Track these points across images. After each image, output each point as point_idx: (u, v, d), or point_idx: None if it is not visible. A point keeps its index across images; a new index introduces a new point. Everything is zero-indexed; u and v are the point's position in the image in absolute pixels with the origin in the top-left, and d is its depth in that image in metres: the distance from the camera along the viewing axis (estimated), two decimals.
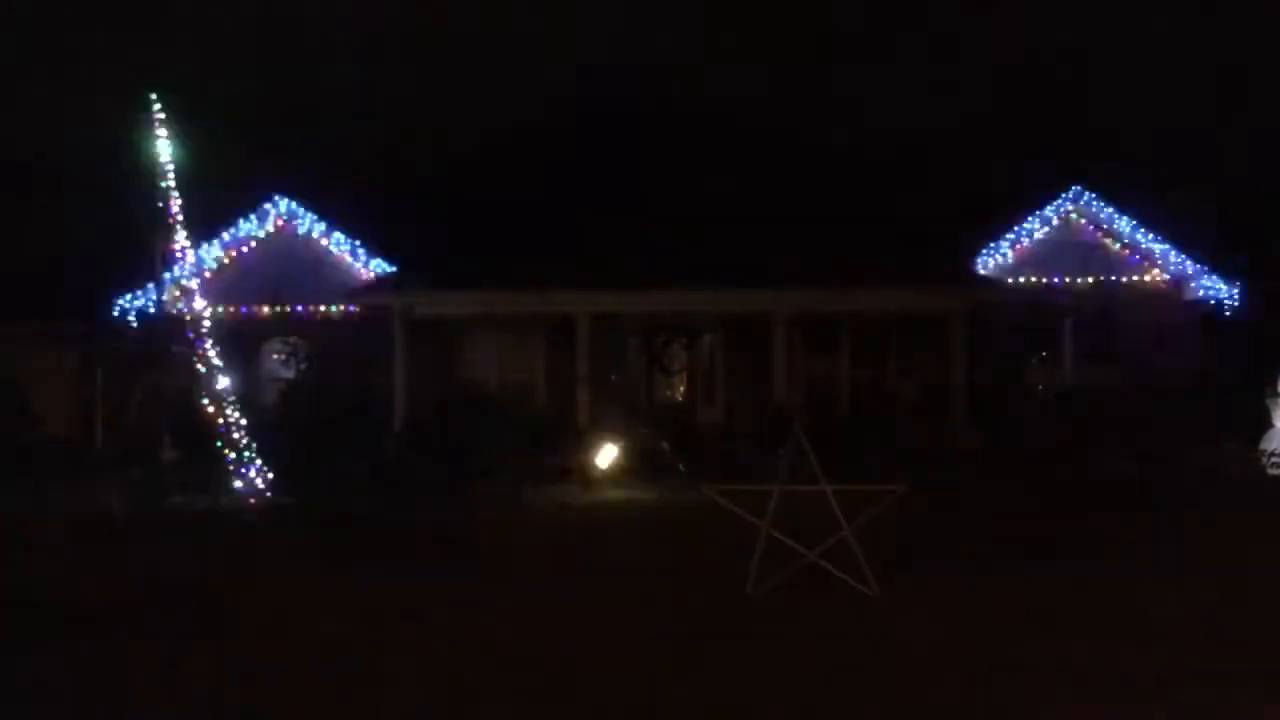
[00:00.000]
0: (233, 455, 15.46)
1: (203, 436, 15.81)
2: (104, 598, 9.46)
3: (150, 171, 15.68)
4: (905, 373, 22.78)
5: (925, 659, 7.22)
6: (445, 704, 6.51)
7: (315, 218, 23.13)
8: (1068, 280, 22.67)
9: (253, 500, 15.06)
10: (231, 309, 22.32)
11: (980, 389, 21.23)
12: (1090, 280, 22.75)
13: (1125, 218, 22.99)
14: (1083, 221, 23.09)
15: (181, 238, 15.93)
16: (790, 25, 33.99)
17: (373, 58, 31.08)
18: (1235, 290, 22.80)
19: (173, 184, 15.73)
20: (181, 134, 16.08)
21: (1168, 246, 22.94)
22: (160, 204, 15.71)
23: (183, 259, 16.12)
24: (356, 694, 6.71)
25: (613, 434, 19.11)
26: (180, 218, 15.86)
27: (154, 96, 15.76)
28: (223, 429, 15.56)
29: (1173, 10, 30.71)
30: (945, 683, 6.71)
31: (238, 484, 15.34)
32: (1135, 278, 22.87)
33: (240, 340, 22.39)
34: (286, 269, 22.51)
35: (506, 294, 20.79)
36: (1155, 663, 7.05)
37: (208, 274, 22.80)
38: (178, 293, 16.44)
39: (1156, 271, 22.97)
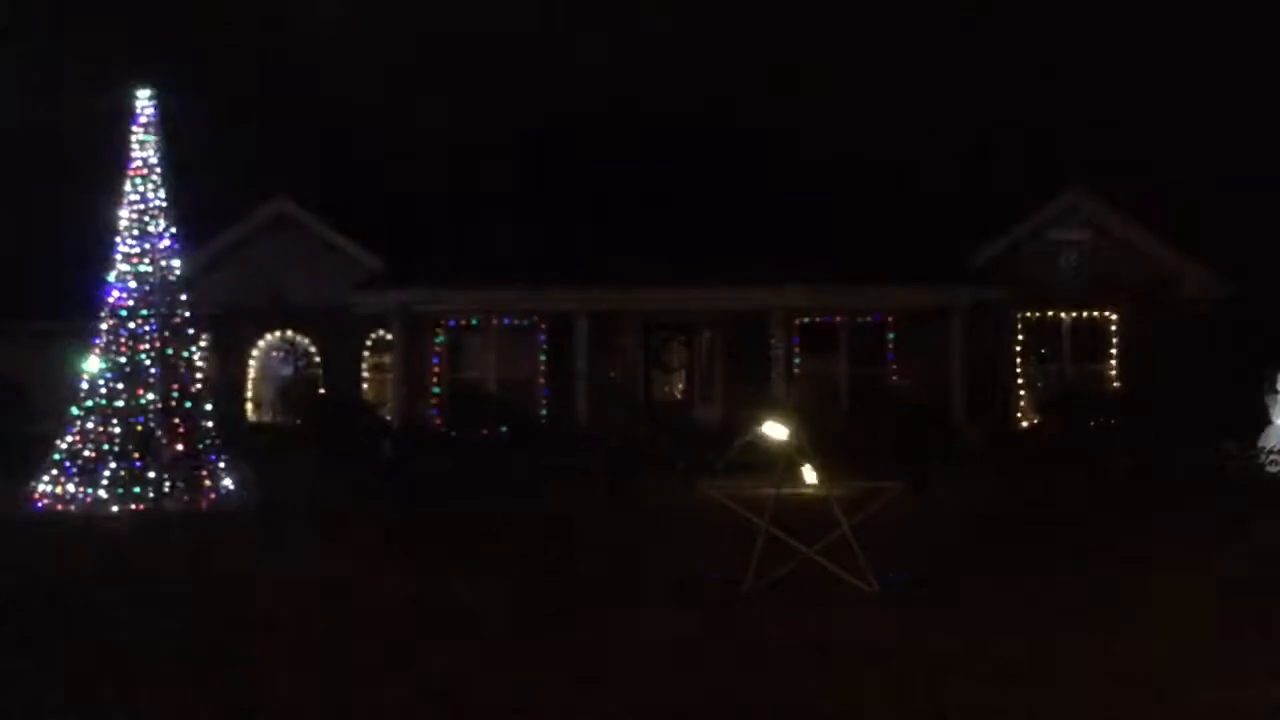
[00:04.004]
0: (226, 454, 15.41)
1: (197, 435, 15.74)
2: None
3: (146, 168, 15.59)
4: (904, 371, 22.79)
5: (925, 656, 7.20)
6: None
7: (313, 215, 23.10)
8: (1064, 279, 22.64)
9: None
10: (230, 307, 22.29)
11: (979, 387, 21.24)
12: (1087, 278, 22.73)
13: (1123, 216, 22.95)
14: (1079, 220, 23.06)
15: (178, 235, 15.85)
16: (788, 24, 33.98)
17: (372, 55, 31.06)
18: (1234, 288, 22.76)
19: (167, 181, 15.62)
20: (179, 130, 16.00)
21: (1165, 244, 22.90)
22: (156, 201, 15.62)
23: (180, 257, 16.04)
24: None
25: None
26: (177, 215, 15.79)
27: (148, 93, 15.64)
28: (218, 428, 15.51)
29: (1171, 9, 30.72)
30: (945, 681, 6.70)
31: (227, 482, 15.25)
32: (1133, 276, 22.84)
33: (239, 338, 22.41)
34: (285, 266, 22.48)
35: (504, 292, 20.80)
36: (1157, 662, 7.03)
37: (207, 271, 22.80)
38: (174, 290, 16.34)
39: (1154, 269, 22.95)
